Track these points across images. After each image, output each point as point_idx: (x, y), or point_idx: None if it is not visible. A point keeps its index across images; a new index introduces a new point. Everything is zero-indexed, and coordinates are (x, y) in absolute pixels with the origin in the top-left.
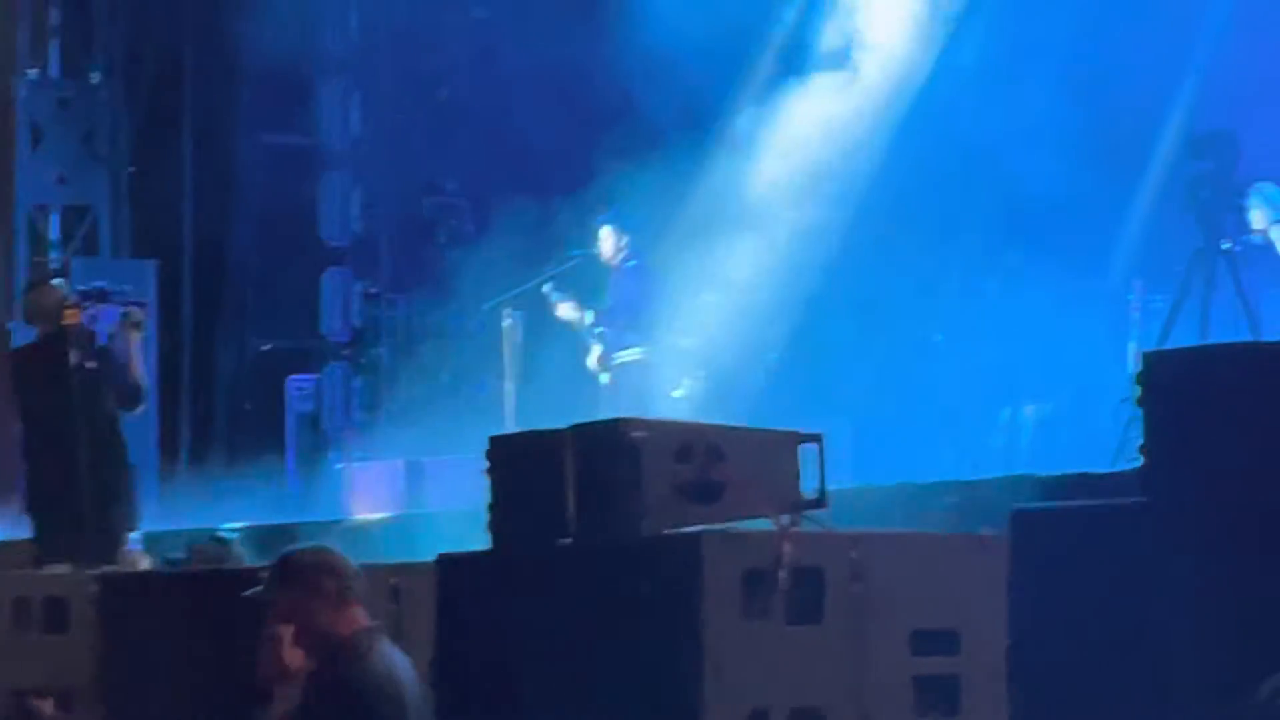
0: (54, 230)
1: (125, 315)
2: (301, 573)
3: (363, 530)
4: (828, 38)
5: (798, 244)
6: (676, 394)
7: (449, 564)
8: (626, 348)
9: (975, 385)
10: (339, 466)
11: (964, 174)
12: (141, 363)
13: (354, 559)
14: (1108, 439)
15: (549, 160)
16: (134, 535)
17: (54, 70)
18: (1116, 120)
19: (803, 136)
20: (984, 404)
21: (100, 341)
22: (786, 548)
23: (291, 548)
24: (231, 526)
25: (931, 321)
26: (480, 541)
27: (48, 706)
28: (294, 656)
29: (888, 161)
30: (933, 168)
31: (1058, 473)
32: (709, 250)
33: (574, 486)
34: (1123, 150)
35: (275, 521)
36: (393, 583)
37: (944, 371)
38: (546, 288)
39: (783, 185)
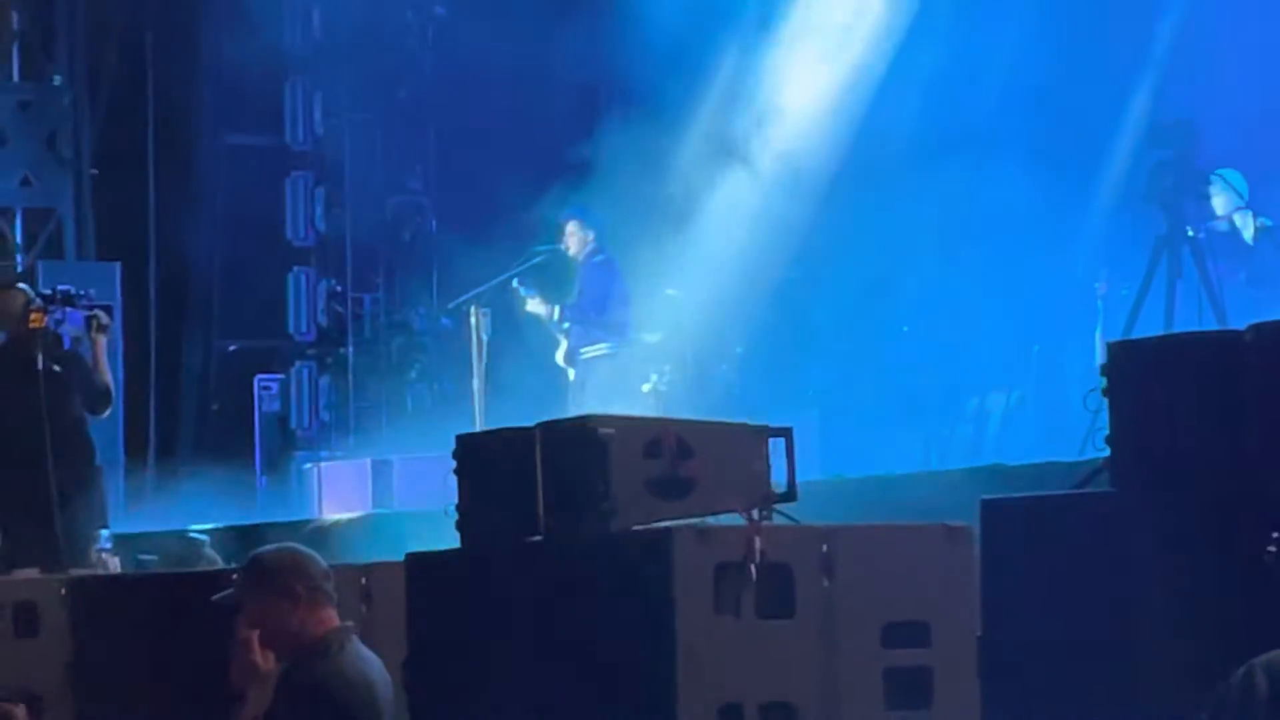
0: (18, 233)
1: (91, 318)
2: (272, 574)
3: (332, 530)
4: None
5: (763, 237)
6: (645, 388)
7: (419, 563)
8: (594, 343)
9: (942, 375)
10: (307, 466)
11: (928, 167)
12: (108, 365)
13: (324, 559)
14: (1075, 428)
15: (512, 157)
16: (104, 535)
17: (15, 73)
18: (1078, 113)
19: (768, 131)
20: (951, 394)
21: (66, 345)
22: (757, 542)
23: (261, 549)
24: (201, 528)
25: (898, 313)
26: (450, 540)
27: (20, 712)
28: (265, 658)
29: (851, 155)
30: (896, 161)
31: (1026, 462)
32: (675, 244)
33: (543, 484)
34: (1085, 142)
35: (244, 522)
36: (363, 582)
37: (911, 362)
38: (514, 283)
39: (748, 179)
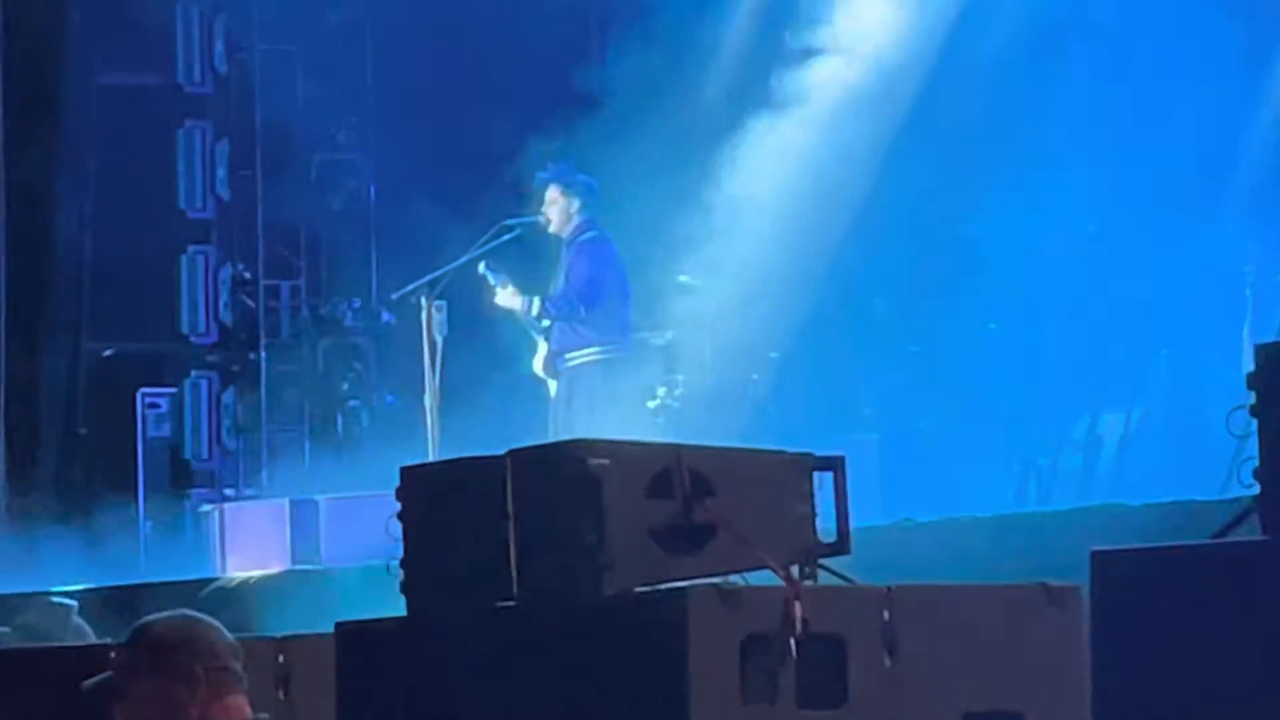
0: None
1: None
2: (162, 651)
3: (239, 592)
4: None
5: (806, 207)
6: (651, 405)
7: (352, 635)
8: (583, 346)
9: (1041, 388)
10: (206, 509)
11: (1025, 116)
12: None
13: (229, 631)
14: (1216, 458)
15: (477, 100)
16: None
17: None
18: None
19: (817, 67)
20: (1053, 412)
21: None
22: (798, 608)
23: (149, 619)
24: (67, 590)
25: (982, 306)
26: (393, 605)
27: None
28: None
29: (927, 102)
30: (982, 110)
31: (1150, 502)
32: (690, 217)
33: (515, 532)
34: (1231, 90)
35: (124, 582)
36: (280, 660)
37: (1000, 371)
38: (480, 268)
39: (788, 131)
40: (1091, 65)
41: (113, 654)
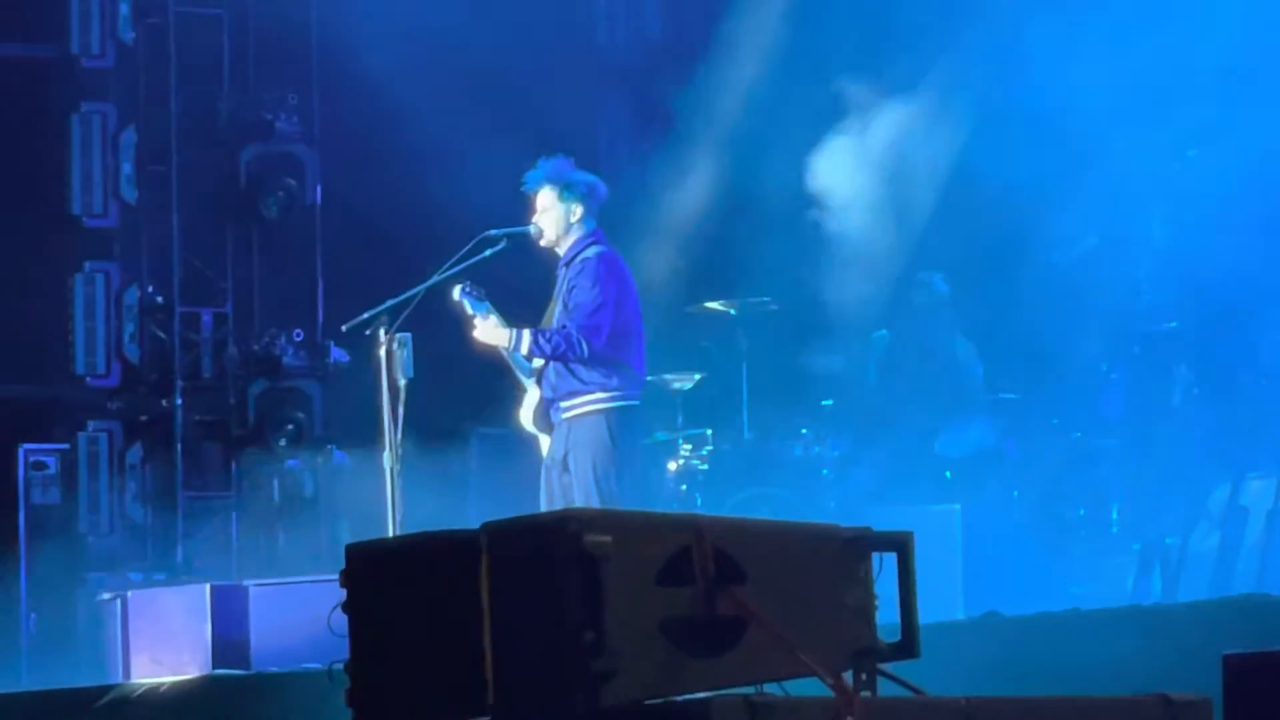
0: None
1: None
2: None
3: (146, 703)
4: None
5: (869, 219)
6: (671, 468)
7: None
8: (583, 391)
9: (1169, 448)
10: (105, 596)
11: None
12: None
13: None
14: None
15: (452, 73)
16: None
17: None
18: None
19: None
20: (1184, 479)
21: None
22: None
23: None
24: None
25: (1094, 342)
26: (337, 718)
27: None
28: None
29: None
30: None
31: None
32: (718, 230)
33: (492, 627)
34: None
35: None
36: None
37: (1114, 423)
38: (455, 292)
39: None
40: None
41: None
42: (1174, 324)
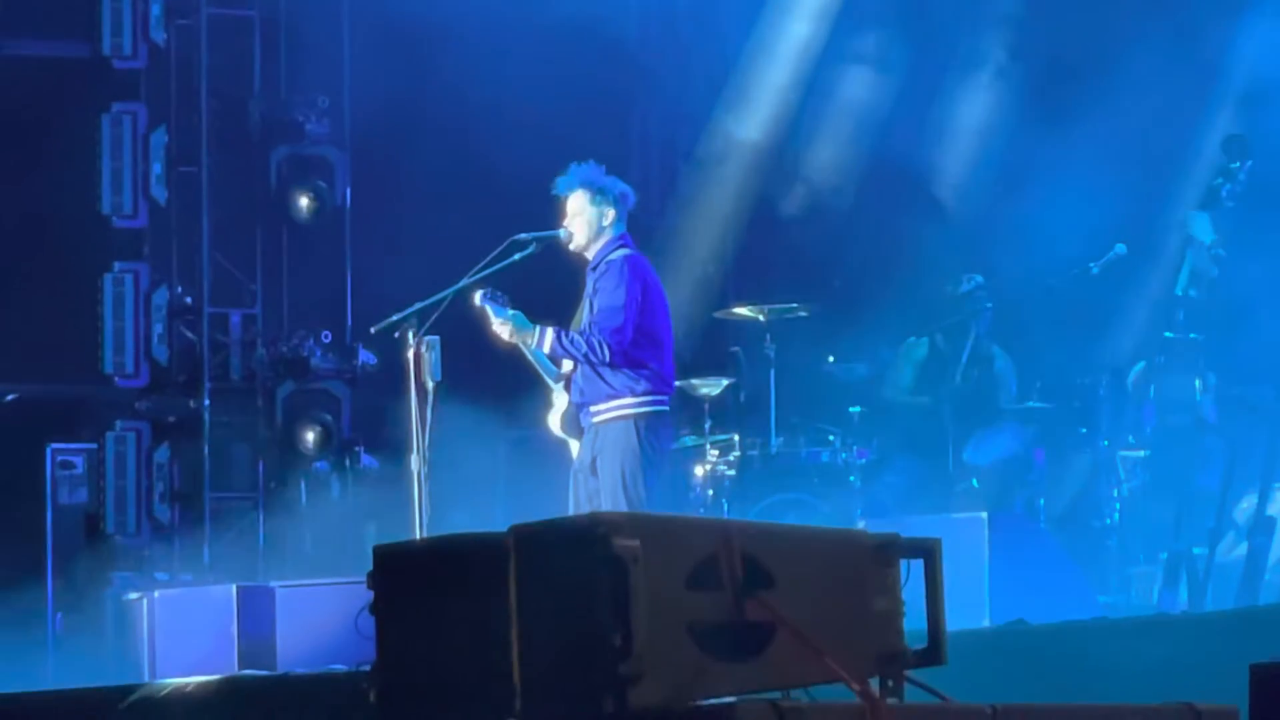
0: None
1: None
2: None
3: (171, 704)
4: None
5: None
6: (699, 473)
7: None
8: (611, 397)
9: (1197, 456)
10: (131, 597)
11: None
12: None
13: None
14: None
15: (483, 81)
16: None
17: None
18: None
19: None
20: (1212, 487)
21: None
22: None
23: None
24: None
25: (1120, 346)
26: None
27: None
28: None
29: None
30: None
31: None
32: (746, 238)
33: (520, 631)
34: None
35: (25, 689)
36: None
37: (1144, 434)
38: (477, 297)
39: None
40: None
41: None
42: (1194, 335)
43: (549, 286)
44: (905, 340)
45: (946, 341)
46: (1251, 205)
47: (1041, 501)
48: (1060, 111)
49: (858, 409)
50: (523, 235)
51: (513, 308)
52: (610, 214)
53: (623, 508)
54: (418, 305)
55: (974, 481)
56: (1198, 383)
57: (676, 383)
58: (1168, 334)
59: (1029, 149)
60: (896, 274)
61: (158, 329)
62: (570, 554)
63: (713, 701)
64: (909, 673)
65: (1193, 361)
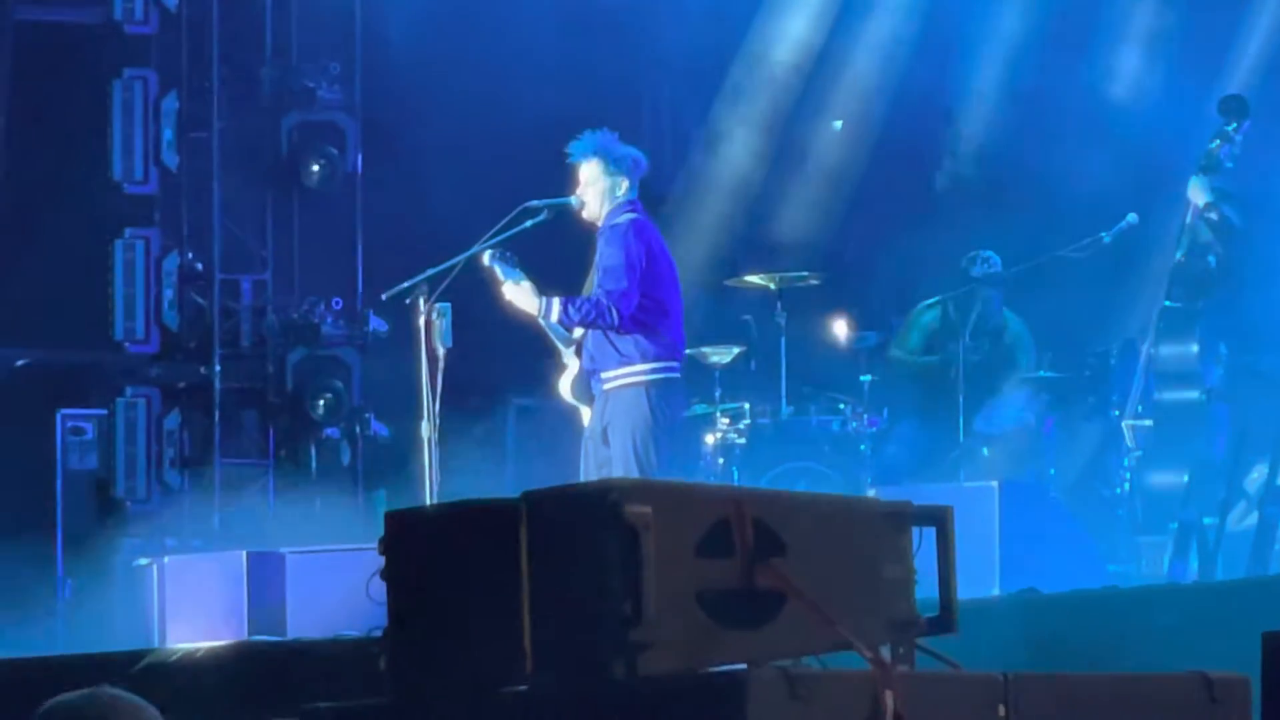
0: None
1: None
2: None
3: (181, 668)
4: None
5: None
6: (709, 441)
7: None
8: (621, 364)
9: (1207, 427)
10: (141, 562)
11: None
12: None
13: (163, 716)
14: None
15: (495, 47)
16: None
17: None
18: None
19: None
20: (1222, 458)
21: None
22: (889, 700)
23: (60, 699)
24: None
25: (1133, 313)
26: (373, 687)
27: None
28: None
29: None
30: None
31: None
32: (758, 206)
33: (530, 598)
34: None
35: (34, 654)
36: None
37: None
38: (486, 257)
39: None
40: None
41: None
42: (1199, 305)
43: (560, 255)
44: (917, 306)
45: (957, 310)
46: (1262, 171)
47: (1052, 471)
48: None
49: (868, 378)
50: (534, 202)
51: (524, 274)
52: (624, 184)
53: (634, 475)
54: (428, 272)
55: (984, 450)
56: (1195, 349)
57: (687, 350)
58: (1167, 302)
59: (1043, 115)
60: (908, 244)
61: (168, 295)
62: (581, 521)
63: (723, 669)
64: (920, 641)
65: (1191, 330)
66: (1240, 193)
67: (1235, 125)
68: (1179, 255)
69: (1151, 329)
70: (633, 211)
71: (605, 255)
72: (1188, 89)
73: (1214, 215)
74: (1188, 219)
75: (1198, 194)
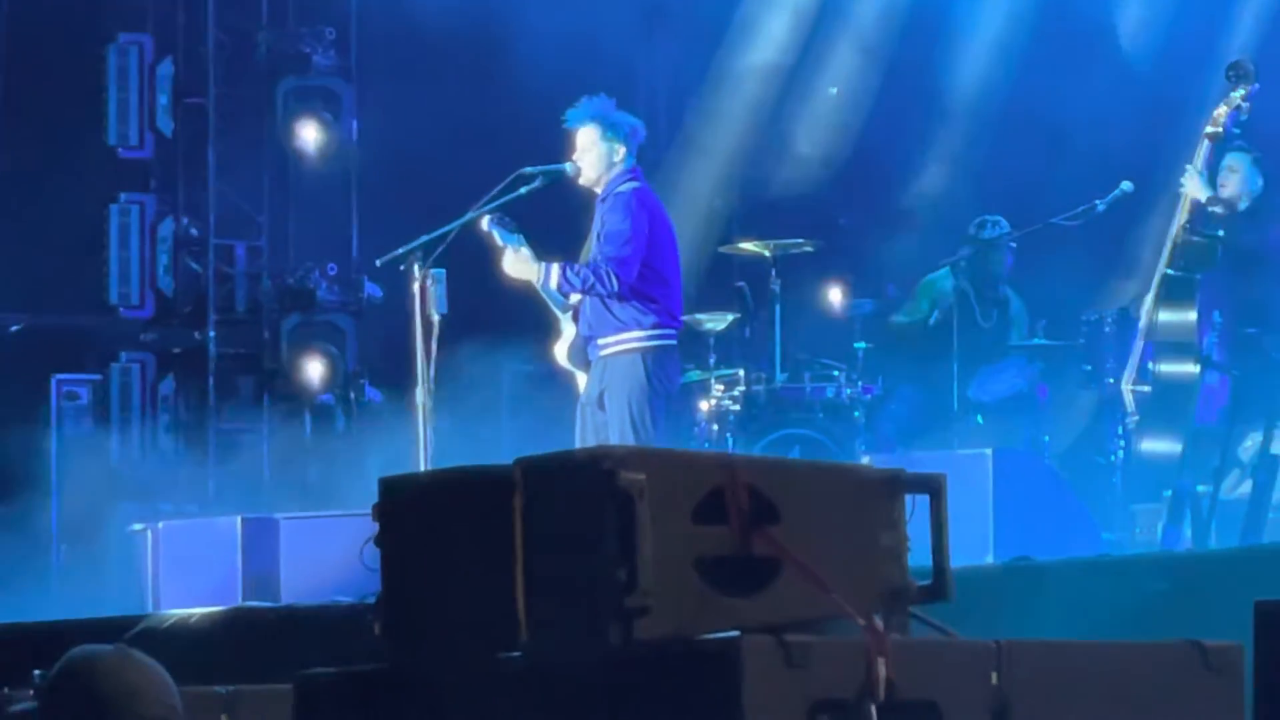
0: None
1: None
2: (89, 699)
3: (175, 635)
4: None
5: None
6: (703, 408)
7: (315, 690)
8: (619, 329)
9: (1200, 395)
10: (136, 527)
11: None
12: None
13: (168, 677)
14: None
15: (492, 13)
16: None
17: None
18: None
19: None
20: (1216, 426)
21: None
22: (882, 666)
23: (77, 652)
24: None
25: (1126, 282)
26: (367, 653)
27: None
28: None
29: None
30: None
31: None
32: (753, 173)
33: (526, 563)
34: None
35: (29, 619)
36: (226, 719)
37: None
38: (484, 223)
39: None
40: None
41: (32, 692)
42: (1199, 276)
43: (557, 221)
44: (925, 276)
45: (970, 283)
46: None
47: (1046, 438)
48: (1070, 46)
49: (863, 345)
50: (529, 169)
51: (524, 239)
52: (621, 150)
53: (630, 442)
54: (423, 238)
55: (979, 418)
56: (1193, 317)
57: (682, 317)
58: (1169, 270)
59: (1038, 85)
60: (903, 211)
61: (163, 260)
62: (576, 487)
63: (718, 635)
64: (914, 608)
65: (1191, 298)
66: (1255, 149)
67: (1243, 90)
68: (1181, 229)
69: (1151, 295)
70: (635, 180)
71: (608, 222)
72: (1194, 46)
73: (1218, 209)
74: (1182, 219)
75: (1197, 190)
